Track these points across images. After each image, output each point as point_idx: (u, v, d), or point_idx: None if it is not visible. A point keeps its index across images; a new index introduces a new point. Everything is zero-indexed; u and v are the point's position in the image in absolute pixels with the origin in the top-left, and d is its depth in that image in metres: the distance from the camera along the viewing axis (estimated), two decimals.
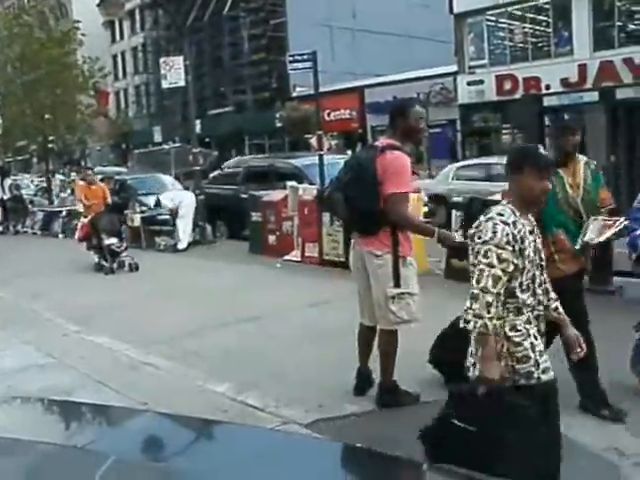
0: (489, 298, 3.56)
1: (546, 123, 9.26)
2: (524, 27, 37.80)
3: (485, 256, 3.60)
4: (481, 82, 38.21)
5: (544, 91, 29.05)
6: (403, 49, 49.34)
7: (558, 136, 5.50)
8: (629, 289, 9.07)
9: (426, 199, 12.95)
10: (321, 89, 15.43)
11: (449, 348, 5.29)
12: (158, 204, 15.68)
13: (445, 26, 41.76)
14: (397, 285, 5.37)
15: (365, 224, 5.42)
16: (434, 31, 48.67)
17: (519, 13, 37.63)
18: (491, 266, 3.59)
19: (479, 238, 3.66)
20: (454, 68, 40.13)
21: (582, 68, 33.61)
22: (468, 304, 3.61)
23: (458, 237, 5.66)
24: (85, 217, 13.97)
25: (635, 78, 30.12)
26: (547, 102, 8.92)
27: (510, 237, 3.62)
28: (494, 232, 3.61)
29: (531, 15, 37.33)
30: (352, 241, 5.78)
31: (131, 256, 13.17)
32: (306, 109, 38.03)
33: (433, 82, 41.11)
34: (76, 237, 14.00)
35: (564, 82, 32.90)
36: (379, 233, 5.36)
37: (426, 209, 12.37)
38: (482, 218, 3.74)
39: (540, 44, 37.39)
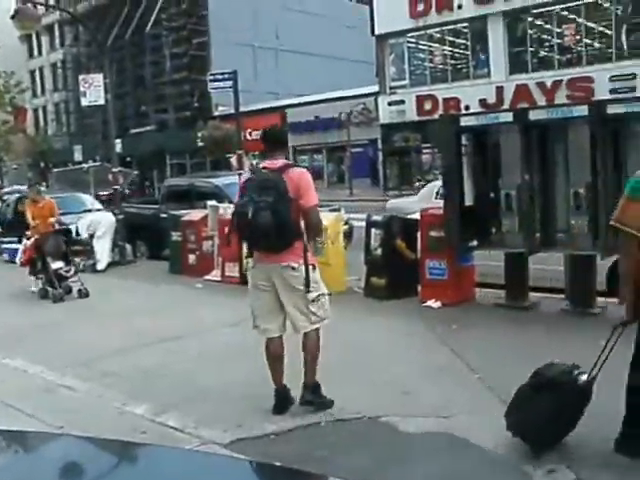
0: None
1: (463, 142, 9.45)
2: (444, 49, 38.66)
3: None
4: (402, 102, 38.85)
5: (463, 111, 29.70)
6: (326, 69, 49.80)
7: None
8: (544, 305, 9.33)
9: (346, 217, 13.06)
10: (244, 108, 15.50)
11: (528, 410, 4.84)
12: (77, 233, 15.29)
13: (368, 47, 42.30)
14: (310, 290, 5.83)
15: (283, 239, 5.73)
16: (357, 52, 49.28)
17: (439, 36, 38.47)
18: None
19: None
20: (375, 88, 40.64)
21: (499, 90, 34.68)
22: None
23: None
24: (28, 239, 12.89)
25: (548, 100, 31.27)
26: (464, 122, 9.14)
27: None
28: None
29: (450, 38, 38.22)
30: (249, 260, 6.00)
31: (81, 281, 12.22)
32: (227, 128, 38.04)
33: (355, 102, 41.56)
34: (17, 262, 12.95)
35: (482, 103, 33.83)
36: (294, 245, 5.75)
37: (346, 227, 12.49)
38: None
39: (459, 66, 38.32)
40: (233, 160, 15.74)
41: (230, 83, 14.27)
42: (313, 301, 5.88)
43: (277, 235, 5.68)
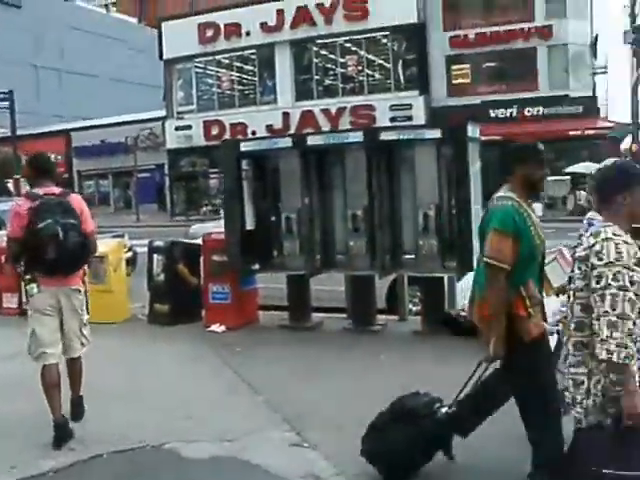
0: (630, 324, 3.24)
1: (244, 167, 9.61)
2: (231, 75, 39.15)
3: (615, 279, 3.26)
4: (189, 127, 38.87)
5: (250, 136, 30.20)
6: (114, 93, 48.93)
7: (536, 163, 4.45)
8: (326, 324, 9.63)
9: (129, 244, 12.85)
10: (25, 131, 14.91)
11: (384, 438, 4.70)
12: None
13: (157, 71, 42.05)
14: (88, 312, 6.12)
15: (84, 260, 5.92)
16: (145, 76, 48.78)
17: (227, 61, 38.93)
18: (624, 289, 3.26)
19: (600, 260, 3.31)
20: (163, 113, 40.39)
21: (286, 116, 35.62)
22: (607, 333, 3.24)
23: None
24: None
25: (333, 126, 32.57)
26: (244, 147, 9.39)
27: (636, 258, 3.32)
28: (619, 252, 3.29)
29: (238, 64, 38.79)
30: (33, 286, 5.80)
31: None
32: (6, 152, 36.29)
33: (142, 127, 41.07)
34: None
35: (269, 128, 34.60)
36: (81, 269, 5.94)
37: (130, 254, 12.28)
38: (595, 239, 3.37)
39: (246, 92, 38.95)
40: (10, 185, 15.09)
41: (7, 104, 13.71)
42: (85, 324, 6.06)
43: (82, 256, 5.78)
